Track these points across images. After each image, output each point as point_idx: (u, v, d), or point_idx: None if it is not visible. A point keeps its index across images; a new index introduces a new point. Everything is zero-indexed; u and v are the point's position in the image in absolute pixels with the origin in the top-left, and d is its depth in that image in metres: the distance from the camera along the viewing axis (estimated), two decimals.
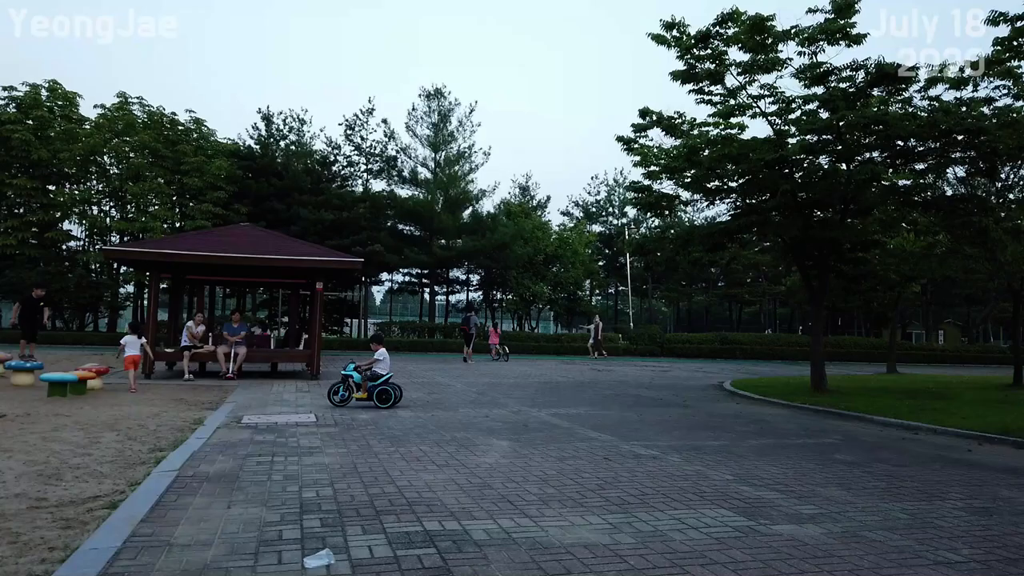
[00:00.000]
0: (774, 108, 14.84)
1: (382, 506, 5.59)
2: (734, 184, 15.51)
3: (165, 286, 23.37)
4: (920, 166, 16.76)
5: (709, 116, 15.27)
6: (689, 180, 15.88)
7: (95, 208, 35.95)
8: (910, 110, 15.35)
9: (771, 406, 14.75)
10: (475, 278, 45.49)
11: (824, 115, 14.06)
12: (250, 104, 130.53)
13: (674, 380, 21.02)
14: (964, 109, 14.84)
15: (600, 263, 48.02)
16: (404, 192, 40.33)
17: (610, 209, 51.26)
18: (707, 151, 14.67)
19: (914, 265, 22.59)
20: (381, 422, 10.53)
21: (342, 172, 40.20)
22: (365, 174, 40.36)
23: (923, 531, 5.31)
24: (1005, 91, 15.37)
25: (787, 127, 14.87)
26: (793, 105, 14.66)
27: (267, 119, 38.80)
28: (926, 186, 15.43)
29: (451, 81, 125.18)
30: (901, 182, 17.50)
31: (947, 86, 15.45)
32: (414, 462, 7.52)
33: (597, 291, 53.29)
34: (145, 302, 29.65)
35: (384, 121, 39.70)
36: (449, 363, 26.13)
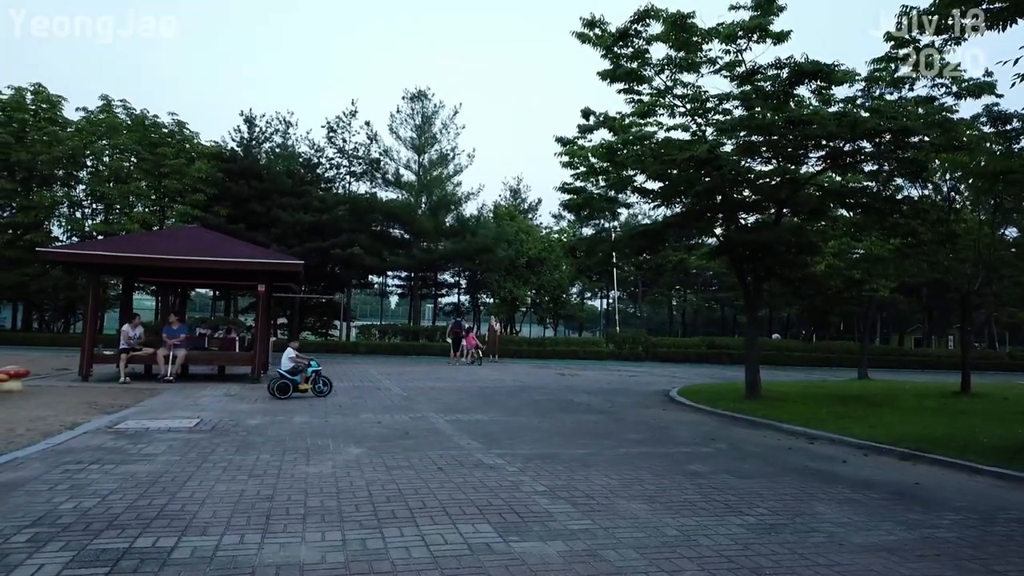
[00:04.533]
0: (690, 107, 14.49)
1: (125, 520, 5.40)
2: (656, 186, 15.20)
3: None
4: (869, 168, 16.42)
5: (626, 114, 14.95)
6: (615, 180, 15.57)
7: (79, 211, 36.30)
8: (853, 110, 15.03)
9: (693, 412, 14.42)
10: (464, 281, 45.29)
11: (737, 114, 13.72)
12: (243, 107, 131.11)
13: (629, 386, 20.65)
14: (899, 109, 14.45)
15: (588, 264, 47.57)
16: (388, 194, 40.27)
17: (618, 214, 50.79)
18: (626, 149, 14.36)
19: (883, 268, 22.10)
20: (263, 429, 10.36)
21: (325, 174, 40.20)
22: (348, 176, 40.35)
23: (673, 550, 5.03)
24: (944, 90, 14.96)
25: (706, 127, 14.53)
26: (709, 104, 14.32)
27: (250, 121, 38.89)
28: (857, 188, 15.00)
29: (444, 80, 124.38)
30: (853, 184, 17.15)
31: (885, 86, 15.12)
32: (233, 471, 7.33)
33: (587, 294, 52.94)
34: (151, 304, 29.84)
35: (367, 123, 39.81)
36: (417, 366, 26.02)
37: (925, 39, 10.98)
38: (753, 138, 14.35)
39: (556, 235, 43.87)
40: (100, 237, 34.89)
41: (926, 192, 16.69)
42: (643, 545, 5.13)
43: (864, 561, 4.93)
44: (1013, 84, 9.81)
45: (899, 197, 15.34)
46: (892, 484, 7.71)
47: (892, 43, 11.48)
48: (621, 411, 14.21)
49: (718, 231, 15.77)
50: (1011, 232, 27.95)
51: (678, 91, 14.72)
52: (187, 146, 36.97)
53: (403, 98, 40.86)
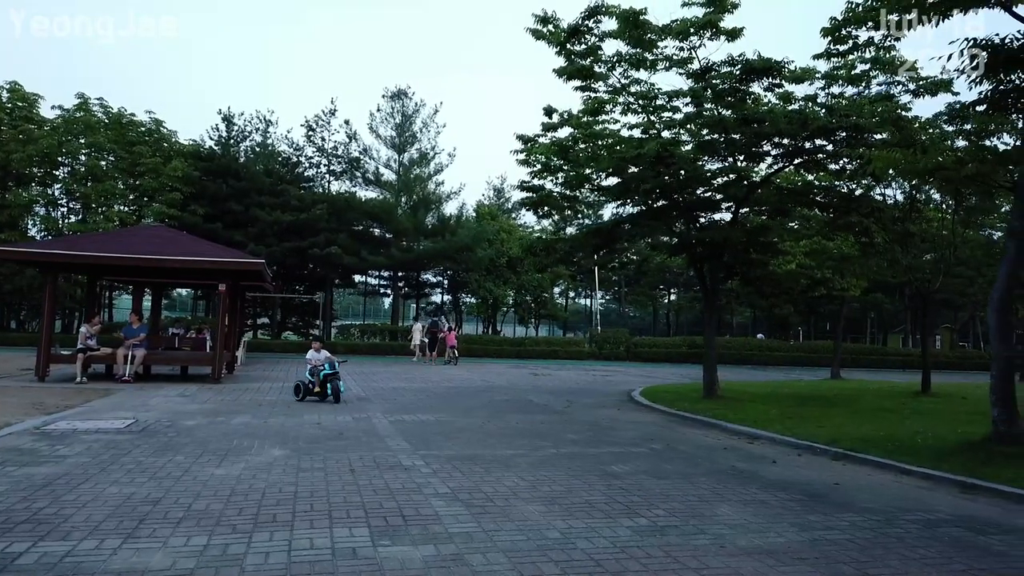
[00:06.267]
0: (642, 104, 14.38)
1: None
2: (608, 183, 15.08)
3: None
4: (834, 166, 16.33)
5: (581, 112, 14.83)
6: (572, 177, 15.44)
7: (56, 211, 36.06)
8: (813, 108, 14.97)
9: (648, 412, 14.32)
10: (446, 281, 45.09)
11: (686, 111, 13.61)
12: (223, 105, 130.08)
13: (598, 386, 20.49)
14: (855, 107, 14.37)
15: (572, 264, 47.42)
16: (369, 193, 40.12)
17: (586, 211, 50.56)
18: (580, 146, 14.24)
19: (850, 267, 21.99)
20: (195, 430, 10.18)
21: (304, 173, 39.98)
22: (328, 176, 40.17)
23: (544, 554, 4.90)
24: (901, 87, 14.89)
25: (660, 125, 14.41)
26: (659, 101, 14.20)
27: (228, 120, 38.68)
28: (815, 187, 14.90)
29: (426, 79, 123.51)
30: (823, 182, 17.06)
31: (844, 84, 15.05)
32: (136, 473, 7.17)
33: (571, 294, 52.77)
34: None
35: (346, 122, 39.67)
36: (391, 366, 25.88)
37: (864, 35, 10.87)
38: (712, 136, 14.24)
39: (537, 235, 43.66)
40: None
41: (887, 191, 16.59)
42: (516, 549, 5.00)
43: (736, 564, 4.81)
44: (952, 80, 9.73)
45: (855, 196, 15.20)
46: (810, 485, 7.59)
47: (829, 39, 11.35)
48: (575, 412, 14.08)
49: (677, 229, 15.63)
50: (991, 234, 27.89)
51: (633, 89, 14.60)
52: (164, 145, 36.77)
53: (383, 96, 40.78)
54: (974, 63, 8.73)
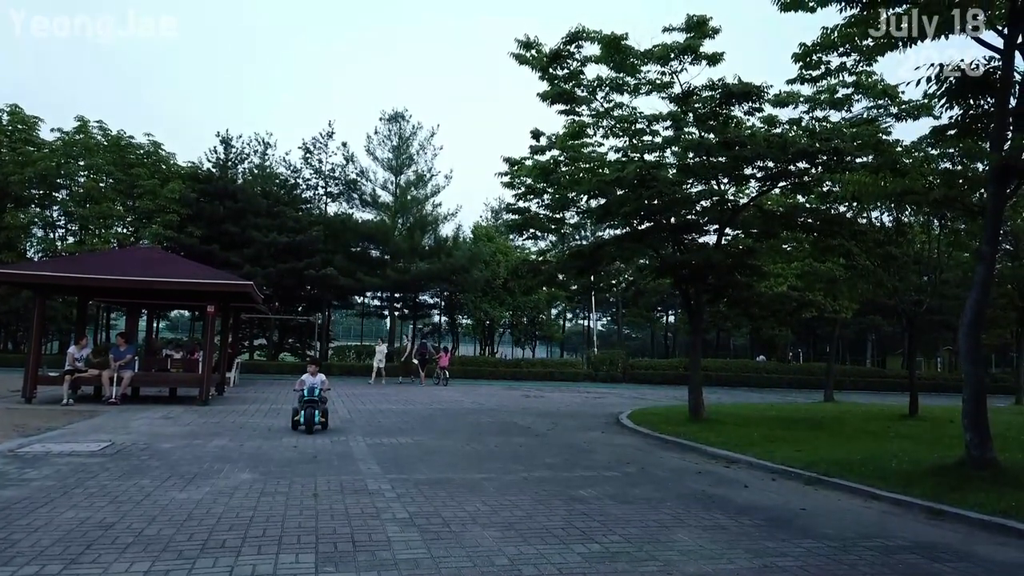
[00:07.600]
0: (623, 127, 14.48)
1: None
2: (592, 204, 15.17)
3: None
4: (822, 188, 16.38)
5: (564, 135, 14.94)
6: (557, 199, 15.54)
7: (53, 231, 36.29)
8: (798, 131, 15.07)
9: (630, 435, 14.26)
10: (443, 302, 45.11)
11: (665, 135, 13.71)
12: (225, 127, 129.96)
13: (587, 408, 20.41)
14: (834, 131, 14.46)
15: (573, 287, 47.46)
16: (365, 215, 40.25)
17: (583, 232, 50.68)
18: (561, 169, 14.34)
19: (839, 289, 21.97)
20: (169, 453, 10.15)
21: (301, 195, 40.19)
22: (325, 197, 40.37)
23: None
24: (883, 111, 14.98)
25: (642, 148, 14.51)
26: (639, 125, 14.30)
27: (226, 142, 38.94)
28: (804, 208, 14.97)
29: (426, 101, 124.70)
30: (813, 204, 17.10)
31: (828, 107, 15.15)
32: (97, 497, 7.15)
33: (568, 315, 52.76)
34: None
35: (344, 144, 39.84)
36: (383, 388, 25.84)
37: (835, 60, 10.97)
38: (695, 159, 14.32)
39: (533, 256, 43.73)
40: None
41: (874, 214, 16.61)
42: None
43: None
44: (933, 104, 9.80)
45: (838, 219, 15.25)
46: (775, 510, 7.54)
47: (801, 65, 11.44)
48: (557, 434, 14.02)
49: (663, 252, 15.68)
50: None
51: (616, 113, 14.71)
52: (163, 167, 37.06)
53: (380, 119, 41.02)
54: (941, 87, 8.79)
